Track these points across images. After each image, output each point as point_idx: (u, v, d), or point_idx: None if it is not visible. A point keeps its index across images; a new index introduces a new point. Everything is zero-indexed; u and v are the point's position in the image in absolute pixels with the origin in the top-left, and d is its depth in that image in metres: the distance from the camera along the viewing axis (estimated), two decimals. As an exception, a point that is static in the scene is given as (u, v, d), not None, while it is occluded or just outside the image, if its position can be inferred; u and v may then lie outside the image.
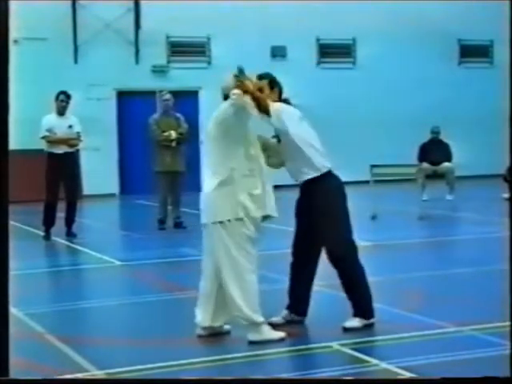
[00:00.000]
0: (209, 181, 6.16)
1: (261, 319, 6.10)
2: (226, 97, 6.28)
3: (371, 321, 6.44)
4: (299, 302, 6.64)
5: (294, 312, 6.64)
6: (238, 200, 6.03)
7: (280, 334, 6.15)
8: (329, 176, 6.49)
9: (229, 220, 6.02)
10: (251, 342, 6.05)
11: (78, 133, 12.14)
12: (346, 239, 6.44)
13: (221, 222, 6.04)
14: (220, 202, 6.05)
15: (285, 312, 6.66)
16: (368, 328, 6.38)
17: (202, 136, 6.24)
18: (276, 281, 7.78)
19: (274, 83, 6.63)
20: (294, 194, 6.65)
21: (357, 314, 6.45)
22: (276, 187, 6.35)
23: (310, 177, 6.40)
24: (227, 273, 6.05)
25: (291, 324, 6.53)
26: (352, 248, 6.46)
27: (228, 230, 6.04)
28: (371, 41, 20.83)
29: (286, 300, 6.71)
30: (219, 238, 6.06)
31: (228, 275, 6.05)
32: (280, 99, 6.64)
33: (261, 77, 6.62)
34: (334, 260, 6.42)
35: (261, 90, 6.42)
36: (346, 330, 6.34)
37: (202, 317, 6.27)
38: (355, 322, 6.40)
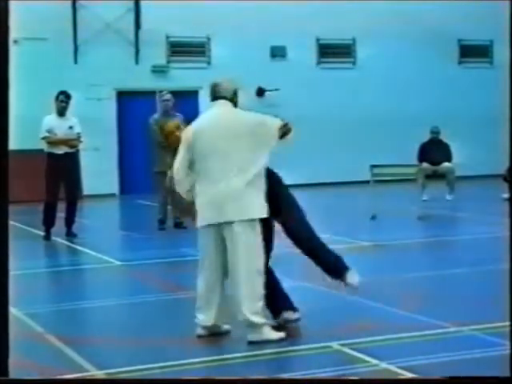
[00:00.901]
0: (236, 178, 6.10)
1: (263, 321, 6.10)
2: (222, 97, 6.25)
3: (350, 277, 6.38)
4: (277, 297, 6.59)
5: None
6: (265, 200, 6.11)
7: (280, 334, 6.14)
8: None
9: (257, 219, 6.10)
10: (251, 342, 6.05)
11: (78, 134, 12.14)
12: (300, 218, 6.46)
13: (253, 220, 6.06)
14: (255, 199, 6.08)
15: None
16: (368, 328, 6.38)
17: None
18: (276, 281, 7.76)
19: None
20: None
21: (330, 273, 6.42)
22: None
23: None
24: (246, 269, 6.03)
25: (291, 324, 6.52)
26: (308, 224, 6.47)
27: (256, 228, 6.07)
28: (371, 41, 20.83)
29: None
30: (249, 237, 6.05)
31: (247, 272, 6.03)
32: None
33: None
34: (298, 240, 6.43)
35: None
36: (347, 285, 6.32)
37: (205, 316, 6.26)
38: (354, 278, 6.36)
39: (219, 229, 6.15)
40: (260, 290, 6.10)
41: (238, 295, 6.06)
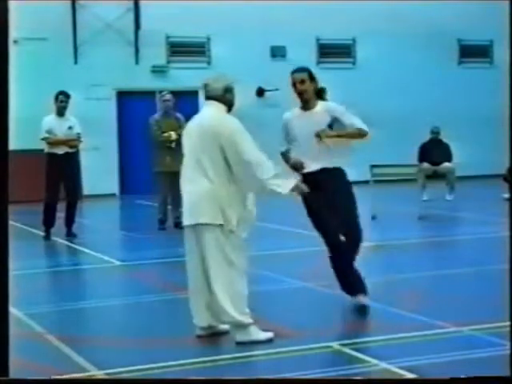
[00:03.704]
0: (205, 180, 6.09)
1: (249, 321, 6.06)
2: (210, 97, 6.21)
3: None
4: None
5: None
6: (236, 206, 6.03)
7: (267, 335, 6.09)
8: None
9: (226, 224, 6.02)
10: (238, 343, 6.02)
11: (77, 134, 12.14)
12: None
13: (220, 225, 6.00)
14: (218, 204, 6.00)
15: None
16: (368, 328, 6.39)
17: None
18: (276, 281, 7.80)
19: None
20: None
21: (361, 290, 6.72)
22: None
23: None
24: (219, 273, 6.00)
25: (292, 324, 6.52)
26: None
27: (224, 230, 6.01)
28: (371, 41, 20.82)
29: (286, 300, 6.67)
30: (215, 238, 6.01)
31: (220, 275, 6.00)
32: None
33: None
34: None
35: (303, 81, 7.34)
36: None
37: (198, 317, 6.25)
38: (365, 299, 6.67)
39: (195, 230, 6.12)
40: (242, 289, 6.04)
41: (219, 299, 6.01)
